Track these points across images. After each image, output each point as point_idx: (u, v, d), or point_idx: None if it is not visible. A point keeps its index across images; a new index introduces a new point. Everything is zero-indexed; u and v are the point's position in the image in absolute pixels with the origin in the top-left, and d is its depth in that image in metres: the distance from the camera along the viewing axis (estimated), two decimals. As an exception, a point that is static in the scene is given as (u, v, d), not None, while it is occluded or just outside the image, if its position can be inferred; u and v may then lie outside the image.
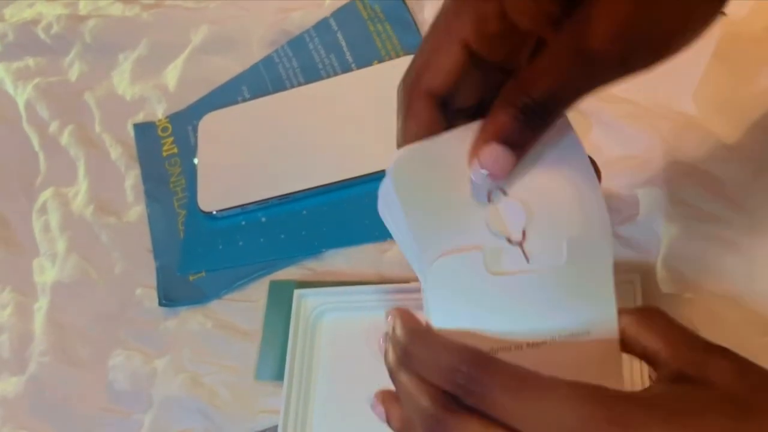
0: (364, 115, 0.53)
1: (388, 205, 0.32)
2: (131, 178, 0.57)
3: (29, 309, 0.55)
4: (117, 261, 0.54)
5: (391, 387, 0.30)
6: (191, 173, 0.55)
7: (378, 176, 0.50)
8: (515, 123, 0.28)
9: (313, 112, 0.54)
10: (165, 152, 0.57)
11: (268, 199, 0.52)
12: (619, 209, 0.45)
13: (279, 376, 0.46)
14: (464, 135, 0.30)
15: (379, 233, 0.49)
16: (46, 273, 0.56)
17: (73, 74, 0.64)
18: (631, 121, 0.47)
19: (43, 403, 0.51)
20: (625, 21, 0.26)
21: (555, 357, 0.30)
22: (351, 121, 0.53)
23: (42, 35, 0.65)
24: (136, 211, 0.56)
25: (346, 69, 0.55)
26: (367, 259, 0.49)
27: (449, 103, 0.31)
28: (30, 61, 0.65)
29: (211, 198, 0.54)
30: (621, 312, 0.30)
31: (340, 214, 0.51)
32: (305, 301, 0.47)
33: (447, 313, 0.30)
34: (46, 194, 0.59)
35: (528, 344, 0.29)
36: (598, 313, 0.30)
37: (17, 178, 0.61)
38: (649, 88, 0.47)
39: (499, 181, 0.29)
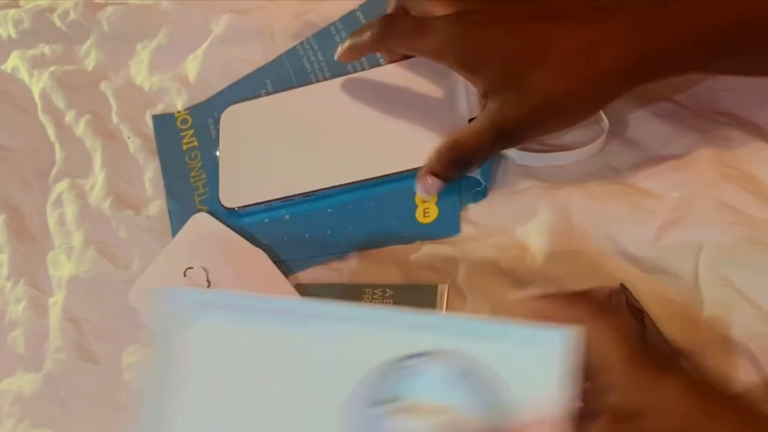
0: (392, 112, 0.51)
1: None
2: (150, 171, 0.56)
3: (44, 304, 0.54)
4: (135, 256, 0.53)
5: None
6: (212, 168, 0.54)
7: (407, 175, 0.50)
8: (444, 165, 0.45)
9: (339, 108, 0.53)
10: (185, 145, 0.56)
11: (292, 196, 0.51)
12: (656, 211, 0.43)
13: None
14: None
15: (407, 234, 0.48)
16: (62, 267, 0.54)
17: (90, 63, 0.62)
18: (674, 118, 0.46)
19: (60, 401, 0.50)
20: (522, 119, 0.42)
21: None
22: (378, 117, 0.52)
23: (58, 23, 0.63)
24: (156, 205, 0.54)
25: (374, 64, 0.54)
26: (393, 261, 0.48)
27: None
28: (45, 49, 0.64)
29: (233, 194, 0.52)
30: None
31: (366, 213, 0.49)
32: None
33: None
34: (62, 186, 0.58)
35: None
36: None
37: (31, 169, 0.60)
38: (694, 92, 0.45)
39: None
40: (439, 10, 0.44)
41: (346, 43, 0.48)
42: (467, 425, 0.30)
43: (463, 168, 0.45)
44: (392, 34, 0.45)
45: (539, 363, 0.30)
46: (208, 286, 0.49)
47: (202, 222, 0.52)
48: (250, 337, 0.34)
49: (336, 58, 0.49)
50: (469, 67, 0.42)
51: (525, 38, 0.40)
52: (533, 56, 0.40)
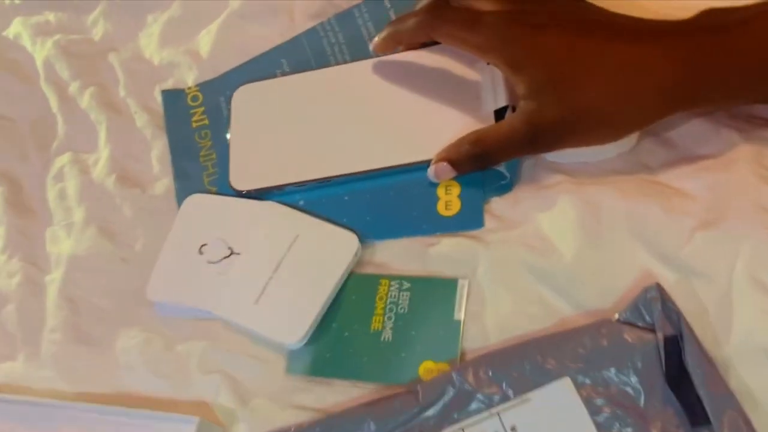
0: (415, 99, 0.49)
1: None
2: (157, 149, 0.54)
3: (40, 281, 0.51)
4: (140, 236, 0.51)
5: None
6: (223, 148, 0.52)
7: (425, 166, 0.48)
8: (466, 160, 0.45)
9: (359, 92, 0.51)
10: (195, 123, 0.54)
11: (307, 181, 0.49)
12: (690, 212, 0.42)
13: (313, 371, 0.44)
14: None
15: (427, 226, 0.46)
16: (61, 244, 0.52)
17: (97, 33, 0.60)
18: (710, 117, 0.44)
19: (53, 382, 0.48)
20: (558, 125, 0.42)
21: None
22: (400, 104, 0.50)
23: (65, -11, 0.61)
24: (163, 183, 0.52)
25: (397, 49, 0.52)
26: (412, 253, 0.46)
27: None
28: (50, 16, 0.61)
29: (245, 176, 0.50)
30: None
31: (384, 202, 0.48)
32: None
33: None
34: (64, 159, 0.55)
35: None
36: None
37: (32, 140, 0.57)
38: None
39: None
40: (488, 5, 0.43)
41: (385, 32, 0.47)
42: None
43: (481, 165, 0.44)
44: (441, 23, 0.44)
45: None
46: (231, 254, 0.47)
47: (197, 202, 0.50)
48: None
49: (372, 48, 0.49)
50: (515, 67, 0.41)
51: (575, 48, 0.39)
52: (581, 67, 0.39)
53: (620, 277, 0.41)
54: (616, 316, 0.40)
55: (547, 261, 0.42)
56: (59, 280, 0.50)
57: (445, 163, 0.45)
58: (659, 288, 0.39)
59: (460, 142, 0.45)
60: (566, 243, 0.42)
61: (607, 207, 0.43)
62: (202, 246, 0.48)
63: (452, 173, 0.45)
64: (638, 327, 0.40)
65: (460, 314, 0.43)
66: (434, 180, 0.46)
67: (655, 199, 0.42)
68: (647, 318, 0.39)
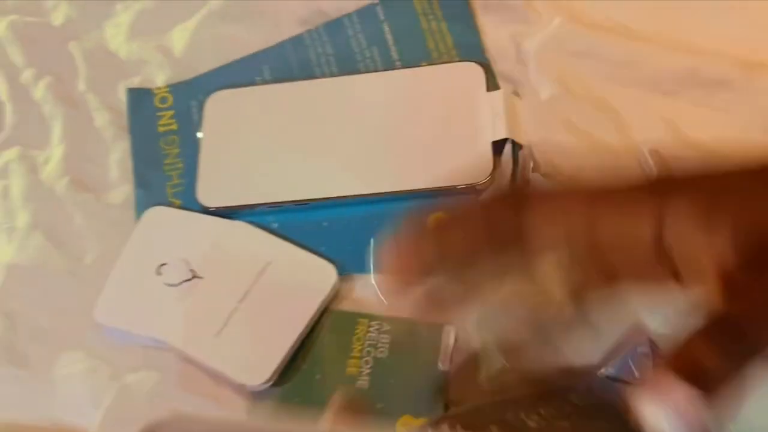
0: (407, 121, 0.46)
1: None
2: (118, 152, 0.49)
3: (-27, 291, 0.46)
4: (91, 248, 0.46)
5: None
6: (191, 157, 0.47)
7: (418, 195, 0.44)
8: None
9: (345, 109, 0.47)
10: (161, 127, 0.49)
11: (283, 202, 0.45)
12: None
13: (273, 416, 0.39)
14: None
15: (412, 262, 0.43)
16: (1, 250, 0.47)
17: (58, 18, 0.54)
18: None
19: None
20: None
21: None
22: (389, 126, 0.46)
23: (25, -34, 0.55)
24: (121, 192, 0.47)
25: (389, 66, 0.48)
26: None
27: None
28: (6, -7, 0.56)
29: (214, 191, 0.46)
30: None
31: (368, 232, 0.44)
32: None
33: None
34: (10, 154, 0.50)
35: None
36: None
37: (-26, 130, 0.52)
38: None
39: None
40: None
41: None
42: None
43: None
44: None
45: None
46: (192, 278, 0.43)
47: (158, 216, 0.46)
48: None
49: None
50: None
51: None
52: None
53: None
54: (603, 371, 0.37)
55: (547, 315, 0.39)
56: (-5, 291, 0.45)
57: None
58: (651, 343, 0.36)
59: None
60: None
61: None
62: (161, 266, 0.43)
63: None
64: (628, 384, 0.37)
65: (446, 364, 0.40)
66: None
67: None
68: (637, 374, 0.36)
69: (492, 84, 0.46)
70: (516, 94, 0.46)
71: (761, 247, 0.22)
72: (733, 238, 0.22)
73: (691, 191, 0.23)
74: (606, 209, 0.24)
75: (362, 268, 0.43)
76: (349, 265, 0.43)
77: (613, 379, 0.37)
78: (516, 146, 0.43)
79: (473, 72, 0.46)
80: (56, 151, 0.49)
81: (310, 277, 0.42)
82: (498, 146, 0.44)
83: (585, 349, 0.30)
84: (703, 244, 0.23)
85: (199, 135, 0.47)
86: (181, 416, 0.26)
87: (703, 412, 0.21)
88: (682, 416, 0.21)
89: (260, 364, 0.40)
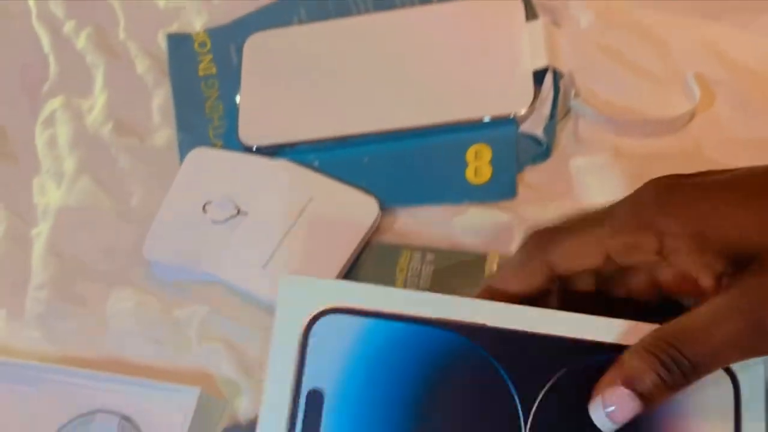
0: (445, 55, 0.46)
1: None
2: (159, 97, 0.49)
3: (26, 234, 0.47)
4: (137, 190, 0.47)
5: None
6: (231, 99, 0.48)
7: (458, 127, 0.44)
8: (652, 376, 0.26)
9: (381, 46, 0.47)
10: (201, 71, 0.49)
11: (323, 139, 0.45)
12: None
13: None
14: None
15: (453, 194, 0.43)
16: (49, 195, 0.48)
17: (96, -31, 0.55)
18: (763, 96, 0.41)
19: (37, 343, 0.44)
20: None
21: None
22: (427, 61, 0.46)
23: None
24: (163, 135, 0.48)
25: (426, 0, 0.48)
26: (436, 223, 0.42)
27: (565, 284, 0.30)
28: (45, -51, 0.56)
29: (255, 131, 0.46)
30: None
31: (407, 166, 0.44)
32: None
33: None
34: (55, 103, 0.51)
35: None
36: None
37: (20, 82, 0.53)
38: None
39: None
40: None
41: None
42: None
43: (686, 382, 0.26)
44: None
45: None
46: (237, 214, 0.43)
47: (201, 157, 0.46)
48: None
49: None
50: None
51: None
52: None
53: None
54: None
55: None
56: (47, 234, 0.46)
57: (626, 392, 0.26)
58: None
59: (644, 349, 0.27)
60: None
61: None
62: (206, 204, 0.44)
63: (639, 408, 0.26)
64: None
65: (489, 291, 0.40)
66: (610, 427, 0.27)
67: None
68: None
69: (531, 14, 0.45)
70: (555, 23, 0.45)
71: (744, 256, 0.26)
72: (721, 254, 0.27)
73: (684, 216, 0.27)
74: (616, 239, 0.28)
75: (403, 202, 0.43)
76: (390, 199, 0.43)
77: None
78: (557, 74, 0.43)
79: (512, 3, 0.45)
80: (99, 98, 0.50)
81: (351, 211, 0.43)
82: (539, 75, 0.43)
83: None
84: (697, 263, 0.27)
85: (239, 85, 0.47)
86: None
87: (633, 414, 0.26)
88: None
89: (306, 294, 0.40)
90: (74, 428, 0.39)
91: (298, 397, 0.28)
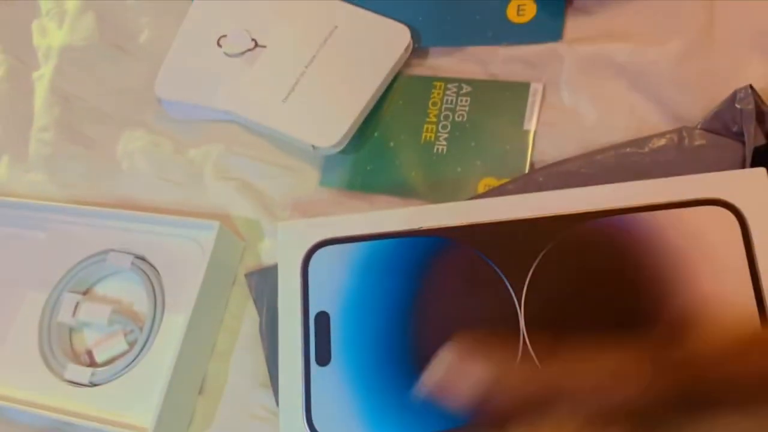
0: None
1: None
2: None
3: (27, 77, 0.44)
4: (146, 26, 0.43)
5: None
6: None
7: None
8: None
9: None
10: None
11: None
12: None
13: (351, 184, 0.37)
14: None
15: (492, 33, 0.38)
16: (51, 35, 0.44)
17: None
18: None
19: (43, 186, 0.41)
20: None
21: None
22: None
23: None
24: (174, -34, 0.44)
25: None
26: (473, 58, 0.38)
27: None
28: None
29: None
30: None
31: (443, 2, 0.39)
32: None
33: None
34: (54, -62, 0.46)
35: None
36: None
37: None
38: None
39: None
40: None
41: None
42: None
43: None
44: None
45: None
46: (255, 47, 0.40)
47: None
48: None
49: None
50: None
51: None
52: None
53: (730, 88, 0.34)
54: (699, 123, 0.33)
55: (643, 61, 0.35)
56: (49, 76, 0.43)
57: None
58: (752, 91, 0.32)
59: None
60: (670, 42, 0.35)
61: (723, 5, 0.35)
62: (221, 37, 0.40)
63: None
64: (722, 135, 0.33)
65: (531, 124, 0.36)
66: None
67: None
68: (735, 127, 0.32)
69: None
70: None
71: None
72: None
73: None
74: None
75: (439, 42, 0.39)
76: (424, 39, 0.39)
77: (708, 131, 0.33)
78: None
79: None
80: (102, -71, 0.46)
81: (380, 40, 0.39)
82: None
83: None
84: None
85: None
86: None
87: None
88: None
89: (330, 126, 0.37)
90: (85, 268, 0.37)
91: (308, 321, 0.31)
